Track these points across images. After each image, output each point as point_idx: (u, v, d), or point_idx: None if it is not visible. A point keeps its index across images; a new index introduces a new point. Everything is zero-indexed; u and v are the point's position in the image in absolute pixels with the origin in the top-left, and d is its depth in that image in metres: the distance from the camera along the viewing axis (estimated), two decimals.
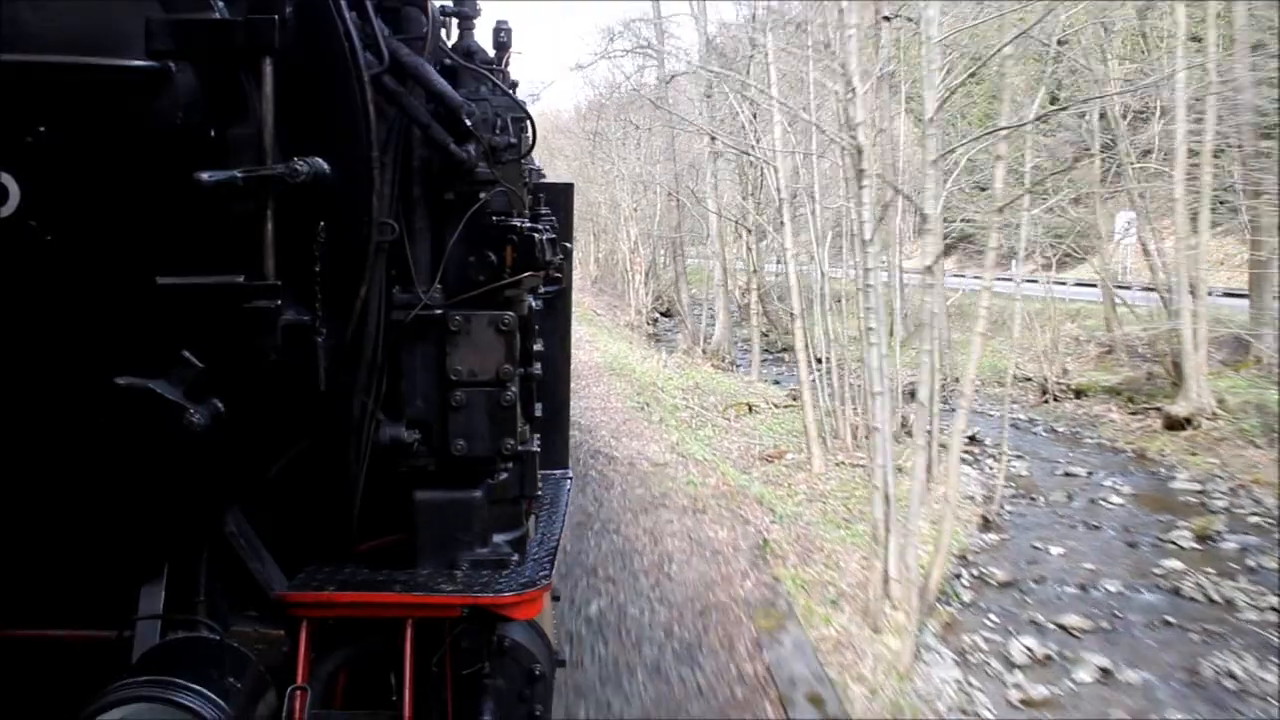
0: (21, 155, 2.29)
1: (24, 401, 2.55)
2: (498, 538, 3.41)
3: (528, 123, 3.40)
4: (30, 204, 2.30)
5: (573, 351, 5.49)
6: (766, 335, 30.02)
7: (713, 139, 28.85)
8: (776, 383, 24.97)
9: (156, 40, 2.30)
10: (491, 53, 3.83)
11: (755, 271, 30.81)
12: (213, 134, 2.44)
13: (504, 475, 3.42)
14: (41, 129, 2.30)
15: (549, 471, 4.75)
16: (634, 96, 40.43)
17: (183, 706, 2.38)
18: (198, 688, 2.41)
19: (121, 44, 2.30)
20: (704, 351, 30.58)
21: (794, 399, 19.27)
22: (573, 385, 6.32)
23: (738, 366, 29.33)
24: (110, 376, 2.48)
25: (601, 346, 28.01)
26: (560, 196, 5.03)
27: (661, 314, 42.73)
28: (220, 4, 2.43)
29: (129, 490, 2.70)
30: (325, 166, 2.54)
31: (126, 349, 2.50)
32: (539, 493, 3.94)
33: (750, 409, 20.53)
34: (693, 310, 35.26)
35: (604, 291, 50.89)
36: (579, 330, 26.38)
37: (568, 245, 4.95)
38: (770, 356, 28.98)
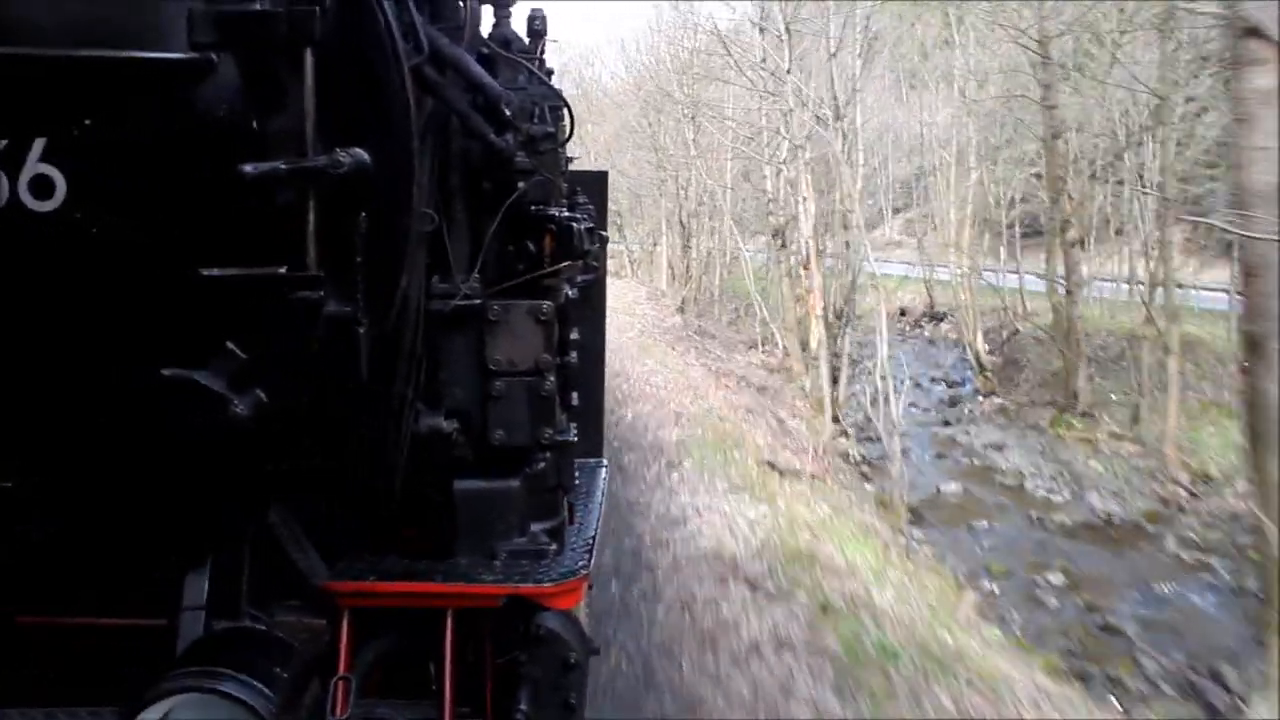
0: (66, 149, 2.30)
1: (69, 394, 2.57)
2: (535, 527, 3.42)
3: (565, 111, 3.39)
4: (75, 197, 2.31)
5: None
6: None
7: None
8: None
9: (199, 32, 2.29)
10: (526, 41, 3.82)
11: None
12: (255, 125, 2.43)
13: (542, 464, 3.42)
14: (87, 122, 2.30)
15: (584, 460, 4.76)
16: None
17: (231, 696, 2.39)
18: (245, 677, 2.43)
19: (163, 36, 2.30)
20: None
21: None
22: None
23: None
24: (155, 368, 2.49)
25: None
26: (594, 184, 5.02)
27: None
28: None
29: (173, 481, 2.72)
30: (366, 158, 2.53)
31: (170, 340, 2.51)
32: (576, 482, 3.95)
33: None
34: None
35: (708, 336, 27.99)
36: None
37: (604, 234, 4.96)
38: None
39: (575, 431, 3.77)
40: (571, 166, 4.49)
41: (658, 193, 38.78)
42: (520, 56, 3.42)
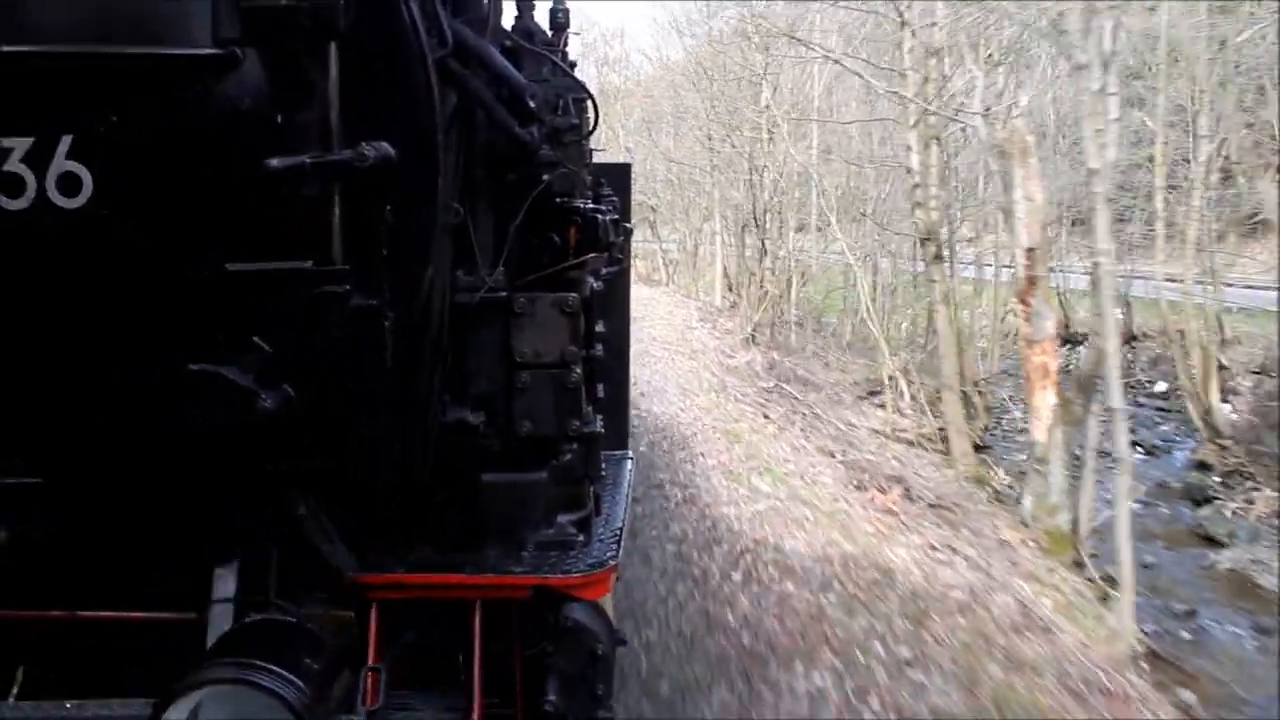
0: (93, 146, 2.31)
1: (96, 390, 2.59)
2: (562, 519, 3.43)
3: (589, 103, 3.39)
4: (102, 194, 2.32)
5: None
6: None
7: None
8: None
9: (223, 27, 2.30)
10: (549, 34, 3.82)
11: None
12: (279, 120, 2.44)
13: (568, 456, 3.43)
14: (113, 119, 2.31)
15: (609, 452, 4.76)
16: None
17: (263, 688, 2.41)
18: (277, 669, 2.44)
19: (188, 31, 2.31)
20: None
21: None
22: None
23: None
24: (182, 363, 2.50)
25: None
26: (619, 177, 5.02)
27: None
28: None
29: (202, 475, 2.74)
30: (391, 151, 2.54)
31: (197, 335, 2.52)
32: (602, 473, 3.95)
33: None
34: None
35: (803, 384, 18.94)
36: None
37: (628, 226, 4.96)
38: None
39: (601, 423, 3.77)
40: (598, 156, 4.50)
41: (709, 180, 30.08)
42: (543, 49, 3.42)
